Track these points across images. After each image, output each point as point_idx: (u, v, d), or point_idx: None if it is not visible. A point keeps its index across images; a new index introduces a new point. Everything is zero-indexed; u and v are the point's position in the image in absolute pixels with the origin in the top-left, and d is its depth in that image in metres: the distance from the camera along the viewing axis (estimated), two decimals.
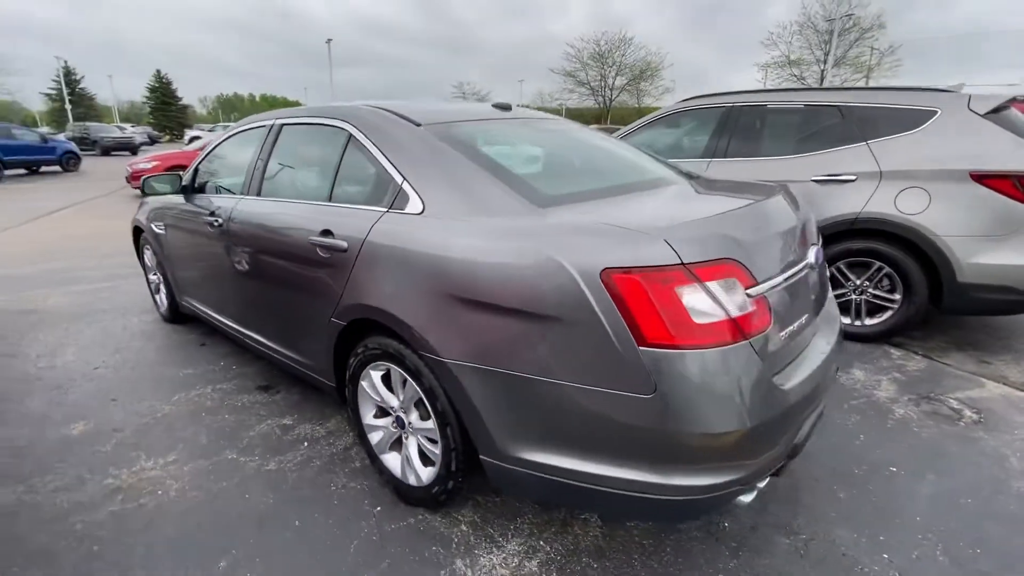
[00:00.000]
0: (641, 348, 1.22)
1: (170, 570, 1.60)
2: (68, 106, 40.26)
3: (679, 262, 1.22)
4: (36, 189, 12.03)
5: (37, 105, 54.71)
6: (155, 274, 3.67)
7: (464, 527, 1.78)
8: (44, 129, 21.55)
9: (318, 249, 1.92)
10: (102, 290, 4.46)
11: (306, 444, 2.25)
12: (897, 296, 3.16)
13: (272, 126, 2.49)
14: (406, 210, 1.71)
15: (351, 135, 1.99)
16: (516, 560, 1.64)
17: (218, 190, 2.83)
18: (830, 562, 1.63)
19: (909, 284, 3.08)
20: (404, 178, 1.75)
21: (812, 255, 1.61)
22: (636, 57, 41.58)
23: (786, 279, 1.43)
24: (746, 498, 1.40)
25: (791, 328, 1.44)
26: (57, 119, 42.76)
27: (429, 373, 1.59)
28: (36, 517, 1.82)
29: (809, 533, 1.76)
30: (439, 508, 1.84)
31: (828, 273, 2.10)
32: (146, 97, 51.22)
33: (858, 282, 3.26)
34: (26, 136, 14.80)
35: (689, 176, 2.19)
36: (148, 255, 3.71)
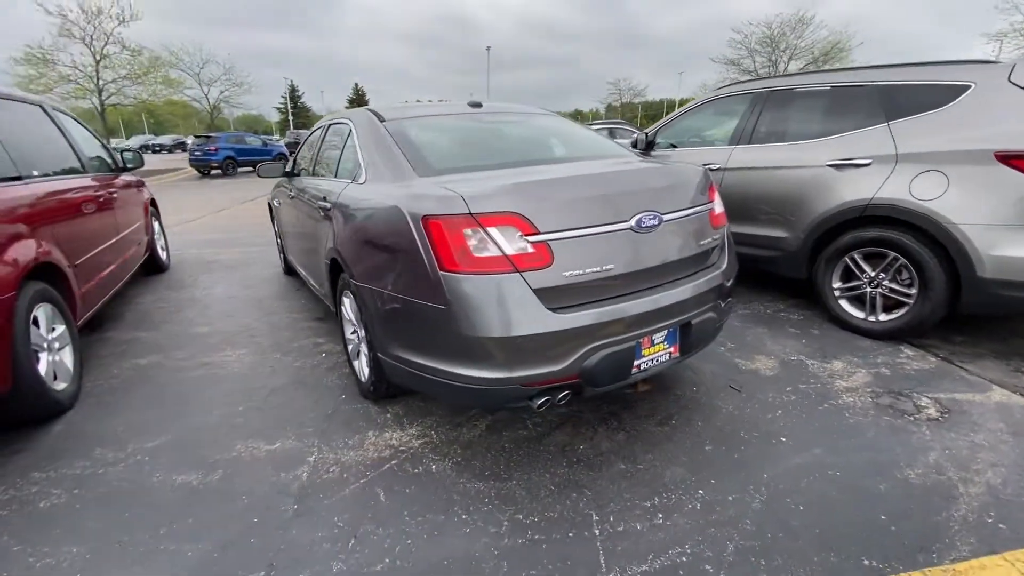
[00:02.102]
0: (440, 272, 1.72)
1: (220, 401, 2.55)
2: (291, 117, 50.42)
3: (467, 212, 1.69)
4: (254, 182, 15.73)
5: (275, 117, 69.31)
6: (278, 239, 5.00)
7: (388, 415, 2.42)
8: (266, 136, 27.30)
9: (320, 211, 2.73)
10: (258, 251, 6.07)
11: (324, 355, 3.11)
12: (914, 291, 2.90)
13: (325, 126, 3.41)
14: (358, 180, 2.40)
15: (351, 129, 2.75)
16: (408, 439, 2.23)
17: (300, 173, 3.88)
18: (645, 484, 1.90)
19: (925, 278, 2.81)
20: (362, 158, 2.45)
21: (635, 221, 1.88)
22: (816, 38, 36.58)
23: (582, 234, 1.78)
24: (536, 401, 1.79)
25: (589, 271, 1.77)
26: (283, 128, 53.83)
27: (355, 294, 2.26)
28: (168, 368, 2.96)
29: (647, 464, 2.02)
30: (379, 401, 2.51)
31: (714, 244, 2.17)
32: (346, 107, 61.30)
33: (872, 273, 3.05)
34: (253, 142, 19.38)
35: (603, 155, 2.51)
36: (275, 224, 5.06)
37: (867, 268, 3.08)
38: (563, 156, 2.49)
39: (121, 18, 19.19)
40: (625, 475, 1.96)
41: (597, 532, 1.70)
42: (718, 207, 2.27)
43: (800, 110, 3.49)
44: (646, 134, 4.47)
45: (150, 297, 4.38)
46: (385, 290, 1.99)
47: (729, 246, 2.34)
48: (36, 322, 2.44)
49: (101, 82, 18.90)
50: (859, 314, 3.14)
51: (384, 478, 1.99)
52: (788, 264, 3.47)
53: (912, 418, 2.27)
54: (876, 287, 3.05)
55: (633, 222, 1.87)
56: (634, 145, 4.49)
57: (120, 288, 3.84)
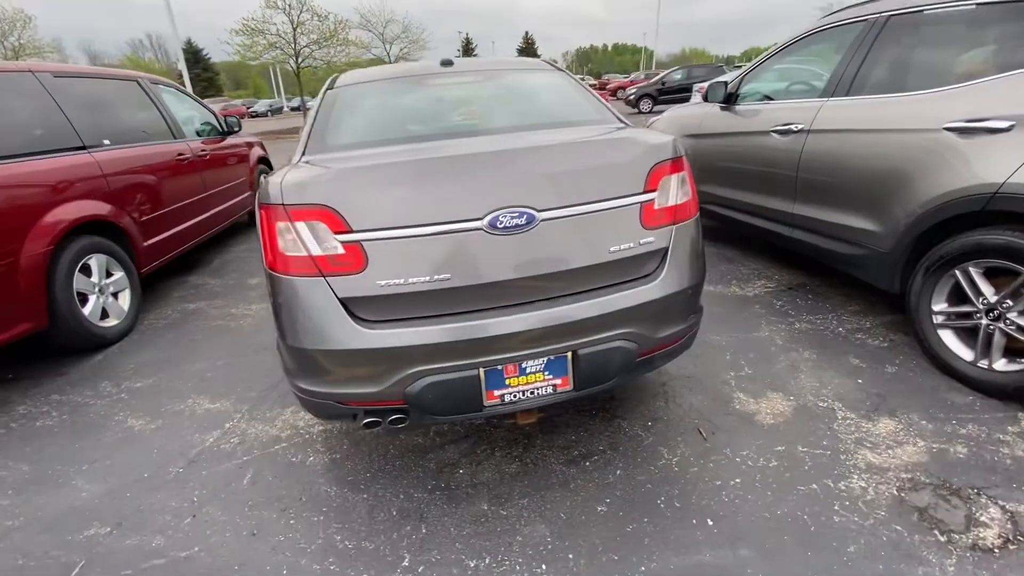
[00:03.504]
0: (266, 269, 1.57)
1: (212, 353, 2.86)
2: None
3: (280, 203, 1.49)
4: None
5: None
6: None
7: None
8: None
9: None
10: None
11: None
12: None
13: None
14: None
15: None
16: (313, 424, 2.21)
17: None
18: (490, 536, 1.58)
19: None
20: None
21: (488, 220, 1.44)
22: None
23: (408, 235, 1.43)
24: (362, 421, 1.58)
25: (413, 281, 1.44)
26: None
27: None
28: (202, 316, 3.41)
29: (514, 511, 1.67)
30: None
31: (644, 249, 1.57)
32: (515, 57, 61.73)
33: (993, 299, 2.00)
34: None
35: (556, 125, 2.00)
36: None
37: (986, 290, 2.03)
38: (498, 127, 2.04)
39: None
40: (478, 519, 1.66)
41: None
42: (666, 198, 1.65)
43: (925, 45, 2.35)
44: (725, 84, 3.52)
45: (243, 247, 5.07)
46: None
47: (691, 250, 1.71)
48: (88, 269, 2.98)
49: (297, 47, 21.99)
50: (966, 354, 2.12)
51: (263, 461, 2.01)
52: (875, 269, 2.49)
53: (946, 539, 1.47)
54: (997, 319, 2.00)
55: (486, 221, 1.46)
56: (705, 98, 3.60)
57: (211, 237, 4.50)
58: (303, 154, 1.91)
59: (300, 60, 22.16)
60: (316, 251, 1.45)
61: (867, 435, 1.89)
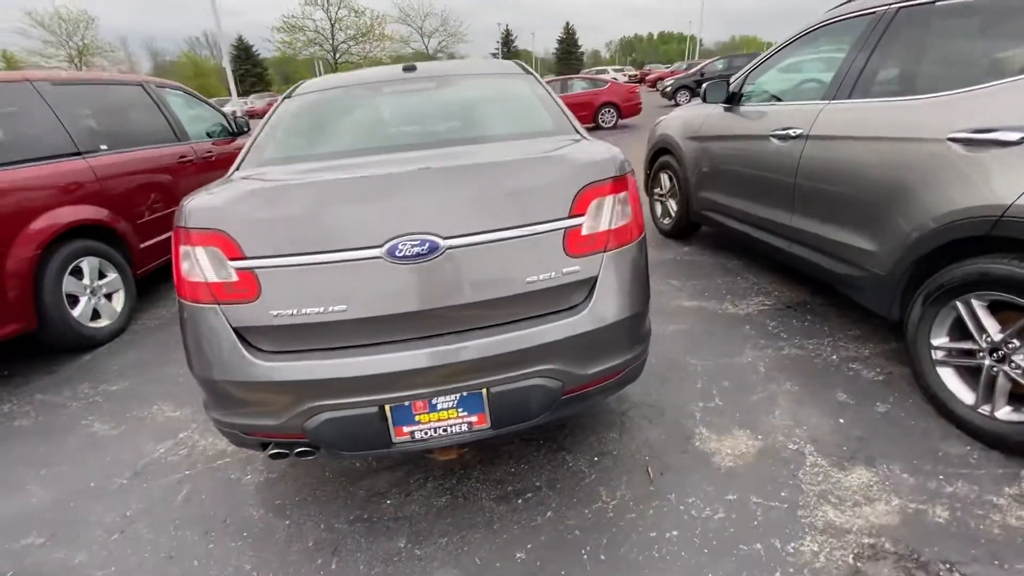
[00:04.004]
0: (176, 294, 1.53)
1: None
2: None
3: (183, 225, 1.44)
4: None
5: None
6: None
7: None
8: None
9: None
10: None
11: None
12: None
13: None
14: None
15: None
16: None
17: None
18: None
19: None
20: None
21: (387, 248, 1.33)
22: None
23: (302, 263, 1.35)
24: (270, 451, 1.52)
25: (307, 312, 1.35)
26: None
27: None
28: None
29: (429, 551, 1.58)
30: None
31: (568, 279, 1.44)
32: (555, 48, 60.92)
33: (997, 337, 1.73)
34: None
35: (505, 138, 1.86)
36: None
37: (990, 326, 1.76)
38: (440, 139, 1.92)
39: None
40: (391, 558, 1.58)
41: None
42: (597, 222, 1.50)
43: (936, 42, 2.06)
44: (727, 82, 3.25)
45: None
46: None
47: (629, 279, 1.55)
48: (80, 272, 3.08)
49: (335, 42, 22.44)
50: (966, 397, 1.86)
51: (203, 476, 2.00)
52: (872, 293, 2.23)
53: None
54: (1001, 360, 1.73)
55: (384, 249, 1.36)
56: (703, 99, 3.35)
57: None
58: (237, 168, 1.87)
59: (338, 55, 22.64)
60: (212, 278, 1.40)
61: (834, 487, 1.68)
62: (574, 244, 1.47)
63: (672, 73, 25.17)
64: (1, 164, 2.71)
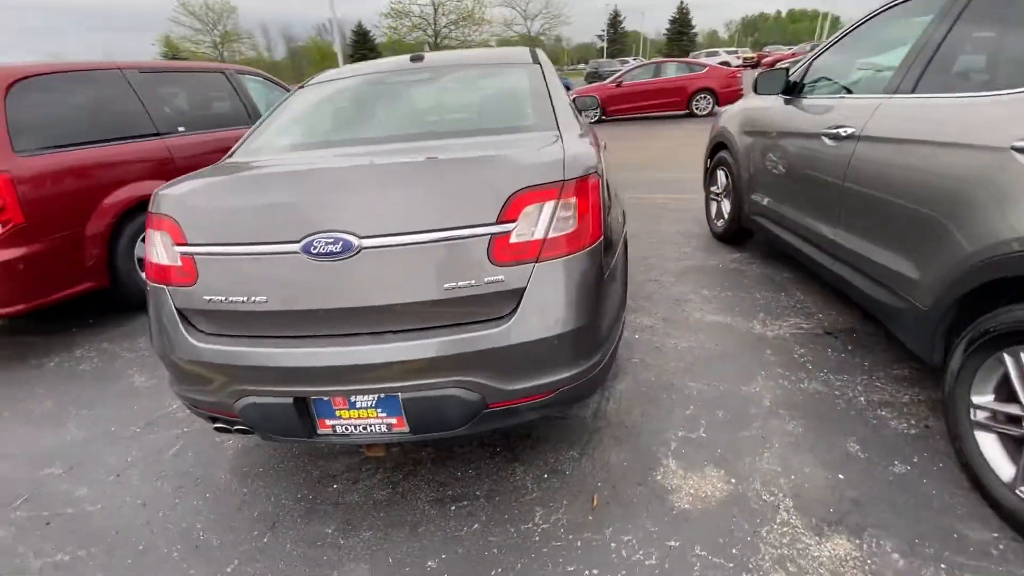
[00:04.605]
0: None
1: None
2: (604, 44, 50.72)
3: (149, 209, 1.56)
4: None
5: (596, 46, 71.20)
6: None
7: None
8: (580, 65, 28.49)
9: None
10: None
11: None
12: None
13: None
14: None
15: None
16: None
17: None
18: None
19: None
20: None
21: (303, 244, 1.33)
22: None
23: (231, 252, 1.40)
24: (215, 426, 1.62)
25: (232, 300, 1.41)
26: (596, 56, 54.86)
27: None
28: None
29: (340, 553, 1.61)
30: None
31: (491, 289, 1.37)
32: (667, 29, 57.63)
33: None
34: None
35: (490, 132, 1.80)
36: None
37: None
38: (413, 133, 1.90)
39: None
40: (315, 542, 1.63)
41: None
42: (531, 230, 1.38)
43: (1014, 25, 1.61)
44: (785, 71, 2.84)
45: None
46: None
47: (568, 293, 1.42)
48: None
49: (437, 27, 23.13)
50: (1005, 471, 1.48)
51: (198, 435, 2.20)
52: (912, 328, 1.85)
53: None
54: None
55: (301, 245, 1.36)
56: (754, 89, 2.96)
57: None
58: (231, 155, 1.99)
59: (440, 40, 23.37)
60: (163, 260, 1.51)
61: (799, 555, 1.44)
62: (501, 252, 1.38)
63: (793, 55, 22.76)
64: (88, 143, 3.15)
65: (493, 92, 2.18)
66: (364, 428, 1.50)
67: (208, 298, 1.45)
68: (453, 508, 1.71)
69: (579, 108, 4.02)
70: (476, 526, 1.63)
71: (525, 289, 1.39)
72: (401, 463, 1.93)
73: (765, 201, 3.05)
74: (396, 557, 1.56)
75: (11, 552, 1.69)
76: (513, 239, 1.38)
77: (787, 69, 2.85)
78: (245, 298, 1.42)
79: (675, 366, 2.37)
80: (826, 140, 2.34)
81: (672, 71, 12.43)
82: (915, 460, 1.73)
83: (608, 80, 13.31)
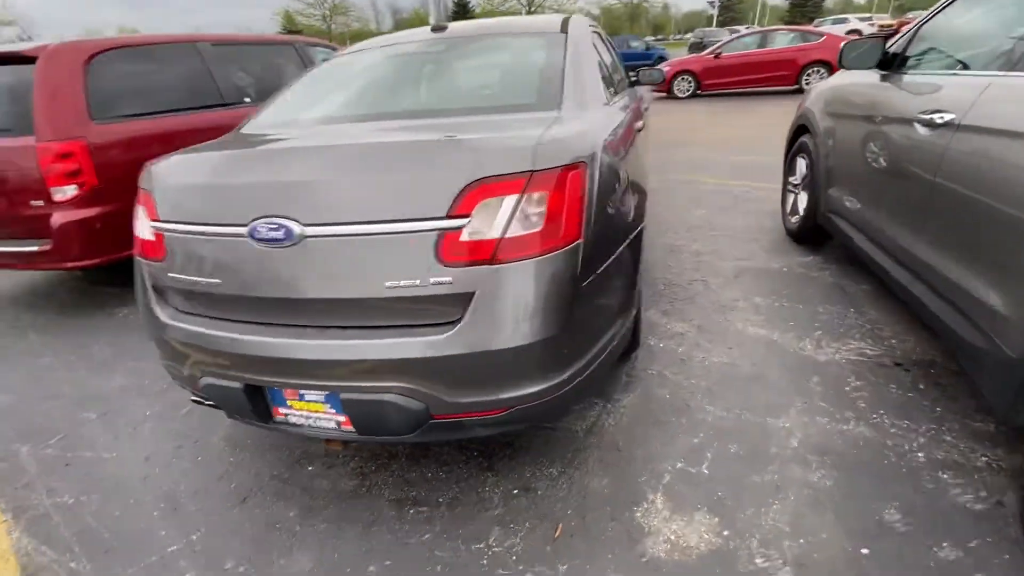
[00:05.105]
0: None
1: None
2: (715, 11, 46.48)
3: (139, 185, 1.59)
4: None
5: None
6: None
7: None
8: (648, 38, 26.74)
9: None
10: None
11: None
12: None
13: None
14: None
15: None
16: None
17: None
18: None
19: None
20: None
21: (249, 229, 1.26)
22: None
23: (192, 231, 1.37)
24: (191, 398, 1.66)
25: (191, 279, 1.40)
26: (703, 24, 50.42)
27: None
28: None
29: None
30: None
31: (439, 291, 1.23)
32: None
33: None
34: (636, 46, 19.40)
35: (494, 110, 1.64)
36: None
37: None
38: (418, 109, 1.78)
39: None
40: (272, 525, 1.63)
41: None
42: (486, 227, 1.21)
43: None
44: (884, 39, 2.30)
45: None
46: None
47: (526, 302, 1.24)
48: None
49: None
50: None
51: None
52: (991, 375, 1.44)
53: None
54: None
55: (247, 229, 1.30)
56: (839, 62, 2.44)
57: None
58: (241, 127, 1.99)
59: (533, 7, 22.80)
60: (142, 235, 1.53)
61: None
62: (450, 250, 1.23)
63: None
64: (158, 112, 3.38)
65: (503, 66, 1.98)
66: (316, 422, 1.45)
67: (173, 275, 1.46)
68: (411, 512, 1.63)
69: (644, 81, 3.66)
70: (428, 536, 1.54)
71: (475, 294, 1.23)
72: (377, 454, 1.88)
73: (843, 197, 2.56)
74: (342, 554, 1.51)
75: (31, 487, 1.88)
76: (465, 236, 1.22)
77: (885, 38, 2.32)
78: (201, 279, 1.40)
79: (696, 384, 2.08)
80: (919, 127, 1.87)
81: (781, 41, 11.05)
82: (972, 544, 1.36)
83: (706, 51, 12.15)
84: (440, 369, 1.26)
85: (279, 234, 1.28)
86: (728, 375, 2.12)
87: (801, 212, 3.24)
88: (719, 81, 11.43)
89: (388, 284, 1.25)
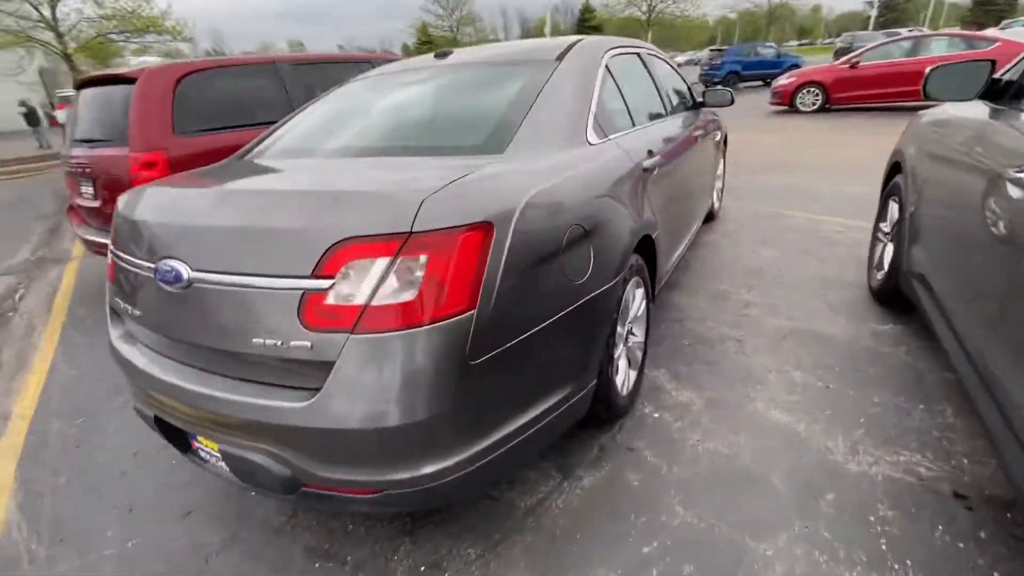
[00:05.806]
0: None
1: None
2: (873, 12, 40.90)
3: None
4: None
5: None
6: None
7: None
8: (793, 43, 24.06)
9: None
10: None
11: None
12: None
13: None
14: None
15: None
16: None
17: None
18: None
19: None
20: None
21: (153, 268, 1.26)
22: None
23: (121, 260, 1.44)
24: None
25: (122, 305, 1.46)
26: (859, 27, 44.65)
27: None
28: None
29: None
30: None
31: (301, 356, 1.12)
32: None
33: None
34: (766, 53, 17.72)
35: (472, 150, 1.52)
36: None
37: None
38: (376, 147, 1.68)
39: None
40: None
41: None
42: (353, 291, 1.08)
43: None
44: (991, 64, 1.73)
45: None
46: None
47: (399, 376, 1.09)
48: None
49: (652, 1, 21.62)
50: None
51: None
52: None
53: None
54: None
55: (153, 268, 1.31)
56: (925, 92, 1.90)
57: None
58: (241, 156, 2.07)
59: (652, 15, 21.93)
60: (110, 257, 1.64)
61: None
62: (313, 313, 1.13)
63: None
64: (235, 126, 3.73)
65: (473, 101, 1.83)
66: (217, 462, 1.43)
67: (116, 300, 1.54)
68: (317, 565, 1.56)
69: (710, 103, 3.28)
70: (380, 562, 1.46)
71: (334, 364, 1.12)
72: None
73: (926, 261, 2.02)
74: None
75: (45, 466, 2.13)
76: (330, 300, 1.11)
77: (993, 62, 1.77)
78: (128, 308, 1.46)
79: (676, 475, 1.75)
80: (1010, 186, 1.38)
81: (938, 48, 9.32)
82: None
83: (840, 60, 10.68)
84: (300, 438, 1.17)
85: (171, 276, 1.27)
86: (719, 470, 1.76)
87: (886, 267, 2.64)
88: (852, 94, 9.98)
89: (255, 340, 1.18)
